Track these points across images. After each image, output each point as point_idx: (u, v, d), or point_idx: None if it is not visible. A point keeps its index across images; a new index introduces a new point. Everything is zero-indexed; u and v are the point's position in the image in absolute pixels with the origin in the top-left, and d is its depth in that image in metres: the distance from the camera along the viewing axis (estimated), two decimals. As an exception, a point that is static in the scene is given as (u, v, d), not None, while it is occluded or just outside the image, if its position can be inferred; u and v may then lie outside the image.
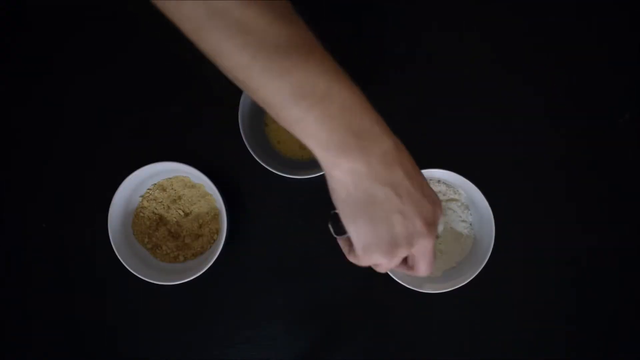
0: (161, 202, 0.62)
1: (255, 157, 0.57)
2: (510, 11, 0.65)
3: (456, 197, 0.62)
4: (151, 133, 0.64)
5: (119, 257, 0.57)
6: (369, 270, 0.61)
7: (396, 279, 0.57)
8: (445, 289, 0.57)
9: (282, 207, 0.64)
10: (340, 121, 0.33)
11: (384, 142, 0.34)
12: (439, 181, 0.62)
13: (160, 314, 0.63)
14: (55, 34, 0.66)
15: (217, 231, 0.62)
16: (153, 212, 0.62)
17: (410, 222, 0.35)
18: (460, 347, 0.62)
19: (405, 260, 0.41)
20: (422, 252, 0.38)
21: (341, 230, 0.39)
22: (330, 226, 0.42)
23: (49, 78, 0.65)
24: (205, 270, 0.57)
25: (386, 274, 0.57)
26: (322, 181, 0.63)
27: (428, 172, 0.59)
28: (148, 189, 0.63)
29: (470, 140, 0.64)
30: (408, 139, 0.64)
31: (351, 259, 0.41)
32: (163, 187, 0.63)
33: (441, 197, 0.62)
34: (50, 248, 0.64)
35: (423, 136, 0.64)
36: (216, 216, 0.62)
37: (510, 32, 0.65)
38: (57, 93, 0.65)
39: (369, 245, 0.36)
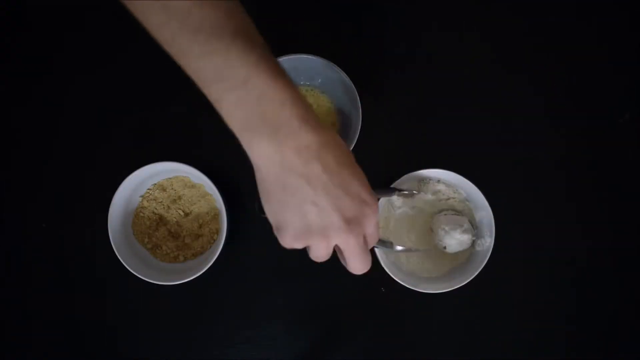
0: (161, 202, 0.62)
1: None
2: (510, 11, 0.65)
3: (456, 197, 0.62)
4: (151, 133, 0.64)
5: (119, 257, 0.57)
6: (370, 270, 0.62)
7: (396, 279, 0.57)
8: (445, 289, 0.57)
9: (282, 207, 0.64)
10: (255, 110, 0.34)
11: (302, 137, 0.35)
12: (438, 181, 0.62)
13: (160, 314, 0.63)
14: (55, 34, 0.66)
15: (217, 231, 0.62)
16: (153, 212, 0.62)
17: (325, 214, 0.36)
18: (460, 347, 0.63)
19: None
20: (345, 248, 0.39)
21: None
22: (256, 204, 0.42)
23: (49, 78, 0.65)
24: (205, 270, 0.57)
25: (386, 275, 0.57)
26: (322, 181, 0.63)
27: (428, 172, 0.59)
28: (148, 189, 0.63)
29: (470, 140, 0.64)
30: (408, 139, 0.64)
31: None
32: (163, 187, 0.63)
33: (441, 196, 0.62)
34: (50, 248, 0.64)
35: (423, 136, 0.64)
36: (216, 216, 0.62)
37: (510, 32, 0.65)
38: (57, 93, 0.65)
39: (280, 227, 0.38)
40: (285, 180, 0.35)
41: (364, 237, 0.39)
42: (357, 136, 0.57)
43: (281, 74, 0.35)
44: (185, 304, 0.63)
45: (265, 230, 0.64)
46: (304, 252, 0.63)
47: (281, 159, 0.35)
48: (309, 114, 0.35)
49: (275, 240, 0.63)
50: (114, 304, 0.63)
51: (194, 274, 0.57)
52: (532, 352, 0.62)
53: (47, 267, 0.63)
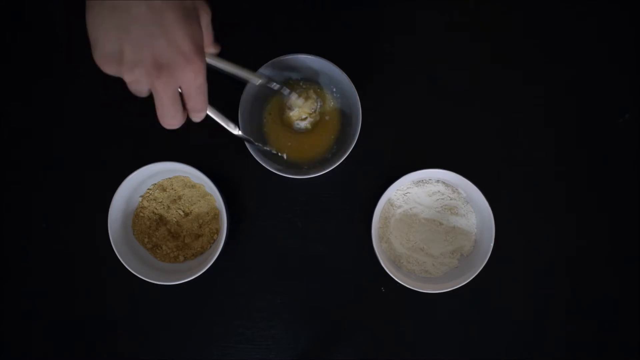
0: (161, 202, 0.62)
1: (255, 157, 0.57)
2: (510, 11, 0.65)
3: (456, 197, 0.62)
4: (151, 133, 0.65)
5: (119, 257, 0.57)
6: (370, 270, 0.62)
7: (396, 279, 0.57)
8: (445, 289, 0.57)
9: (282, 207, 0.64)
10: None
11: None
12: (437, 181, 0.62)
13: (160, 314, 0.63)
14: (55, 34, 0.66)
15: (217, 231, 0.62)
16: (153, 212, 0.62)
17: (137, 48, 0.35)
18: (461, 347, 0.63)
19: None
20: (154, 93, 0.38)
21: None
22: None
23: (49, 78, 0.65)
24: (205, 270, 0.57)
25: (386, 275, 0.57)
26: (322, 181, 0.63)
27: (428, 172, 0.59)
28: (148, 189, 0.63)
29: (470, 140, 0.64)
30: (408, 139, 0.64)
31: None
32: (163, 187, 0.63)
33: (440, 196, 0.62)
34: (50, 248, 0.64)
35: (423, 136, 0.64)
36: (216, 216, 0.62)
37: (510, 32, 0.65)
38: (57, 93, 0.65)
39: (93, 44, 0.37)
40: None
41: (181, 91, 0.39)
42: (357, 136, 0.57)
43: None
44: (185, 304, 0.63)
45: (265, 230, 0.64)
46: (303, 252, 0.63)
47: None
48: None
49: (275, 240, 0.64)
50: (114, 304, 0.63)
51: (194, 274, 0.57)
52: (532, 352, 0.62)
53: (47, 267, 0.63)
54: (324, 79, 0.62)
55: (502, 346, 0.63)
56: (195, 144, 0.64)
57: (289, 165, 0.61)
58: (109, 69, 0.37)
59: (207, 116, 0.46)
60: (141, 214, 0.62)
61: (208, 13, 0.40)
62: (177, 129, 0.42)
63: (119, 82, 0.64)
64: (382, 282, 0.62)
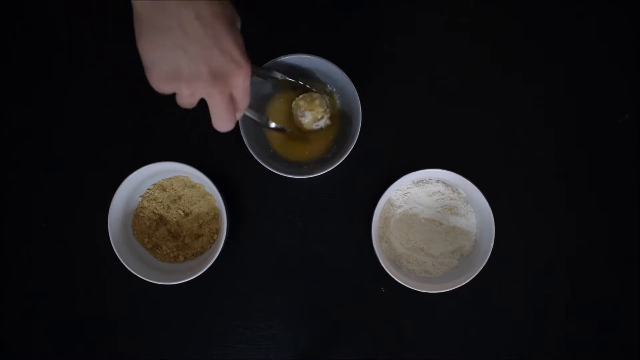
0: (161, 202, 0.62)
1: (255, 157, 0.57)
2: (510, 11, 0.65)
3: (456, 197, 0.62)
4: (151, 133, 0.65)
5: (119, 257, 0.57)
6: (370, 270, 0.62)
7: (396, 279, 0.57)
8: (445, 289, 0.57)
9: (282, 207, 0.64)
10: None
11: None
12: (437, 181, 0.62)
13: (160, 314, 0.63)
14: (55, 34, 0.66)
15: (217, 231, 0.62)
16: (153, 212, 0.62)
17: (193, 63, 0.37)
18: (461, 347, 0.63)
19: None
20: (210, 102, 0.40)
21: None
22: None
23: (49, 78, 0.65)
24: (205, 270, 0.57)
25: (386, 275, 0.57)
26: (322, 181, 0.63)
27: (428, 172, 0.59)
28: (148, 189, 0.63)
29: (470, 140, 0.64)
30: (408, 139, 0.64)
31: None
32: (163, 187, 0.63)
33: (440, 196, 0.62)
34: (50, 248, 0.64)
35: (423, 136, 0.64)
36: (216, 216, 0.62)
37: (510, 32, 0.65)
38: (57, 93, 0.65)
39: (148, 67, 0.38)
40: (157, 18, 0.35)
41: (232, 97, 0.40)
42: (357, 136, 0.57)
43: None
44: (185, 304, 0.63)
45: (265, 230, 0.64)
46: (303, 252, 0.63)
47: None
48: None
49: (275, 240, 0.64)
50: (114, 304, 0.63)
51: (194, 274, 0.57)
52: (532, 352, 0.62)
53: (47, 267, 0.63)
54: (324, 79, 0.62)
55: (502, 346, 0.63)
56: (195, 144, 0.64)
57: (289, 165, 0.61)
58: (166, 87, 0.38)
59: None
60: (141, 214, 0.62)
61: (239, 20, 0.42)
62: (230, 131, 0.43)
63: (119, 83, 0.65)
64: (382, 282, 0.62)
